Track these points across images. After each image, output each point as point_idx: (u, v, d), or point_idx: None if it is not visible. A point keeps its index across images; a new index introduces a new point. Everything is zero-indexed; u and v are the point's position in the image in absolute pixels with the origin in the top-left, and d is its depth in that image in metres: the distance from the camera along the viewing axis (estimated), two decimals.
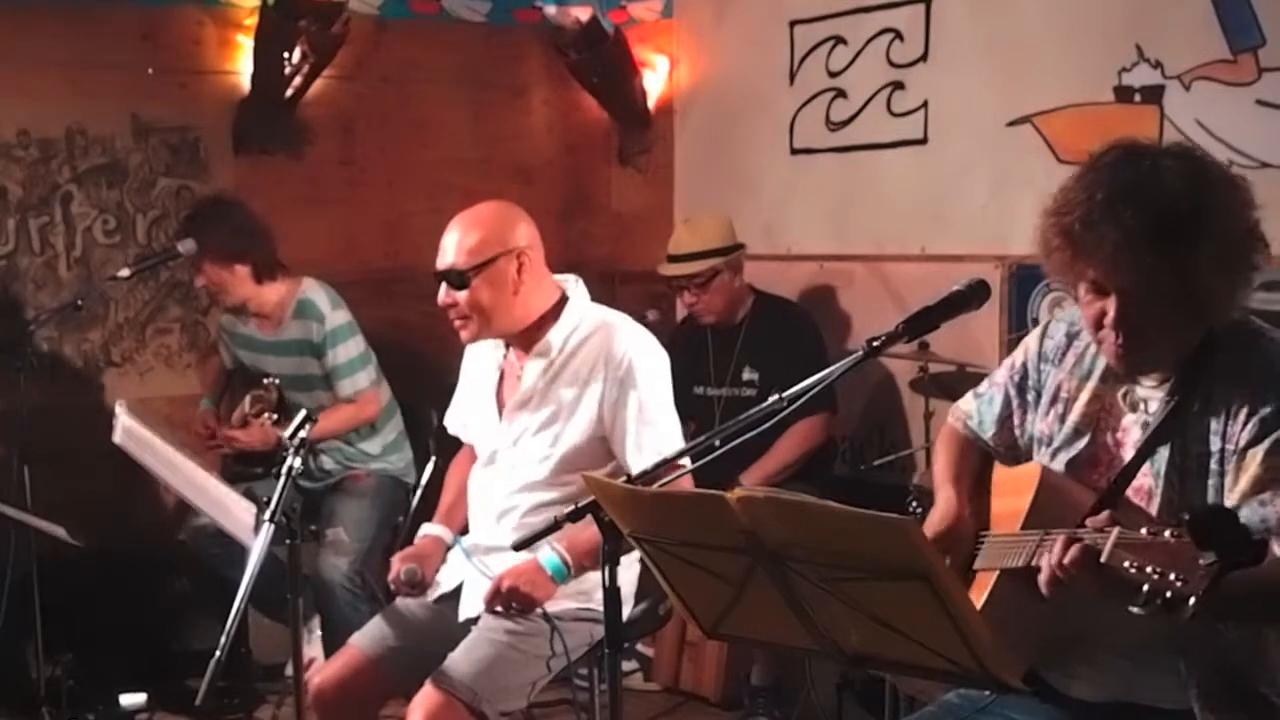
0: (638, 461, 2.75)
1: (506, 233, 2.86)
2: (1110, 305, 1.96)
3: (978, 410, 2.34)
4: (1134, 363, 2.03)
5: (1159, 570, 1.62)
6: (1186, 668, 1.98)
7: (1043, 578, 1.84)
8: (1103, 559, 1.71)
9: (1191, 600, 1.59)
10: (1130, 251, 1.89)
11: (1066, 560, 1.79)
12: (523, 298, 2.87)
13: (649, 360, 2.87)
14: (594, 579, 2.60)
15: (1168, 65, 3.76)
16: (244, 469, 4.16)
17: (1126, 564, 1.66)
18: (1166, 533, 1.65)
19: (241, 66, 4.67)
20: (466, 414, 3.16)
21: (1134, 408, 2.08)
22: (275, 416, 4.11)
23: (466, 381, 3.17)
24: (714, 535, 1.83)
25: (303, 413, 2.71)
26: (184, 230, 4.16)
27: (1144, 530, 1.68)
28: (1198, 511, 1.63)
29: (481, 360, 3.10)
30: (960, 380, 3.91)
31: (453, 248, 2.84)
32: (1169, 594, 1.60)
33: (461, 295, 2.83)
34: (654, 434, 2.81)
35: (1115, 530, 1.71)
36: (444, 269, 2.85)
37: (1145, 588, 1.62)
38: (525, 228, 2.90)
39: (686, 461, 2.27)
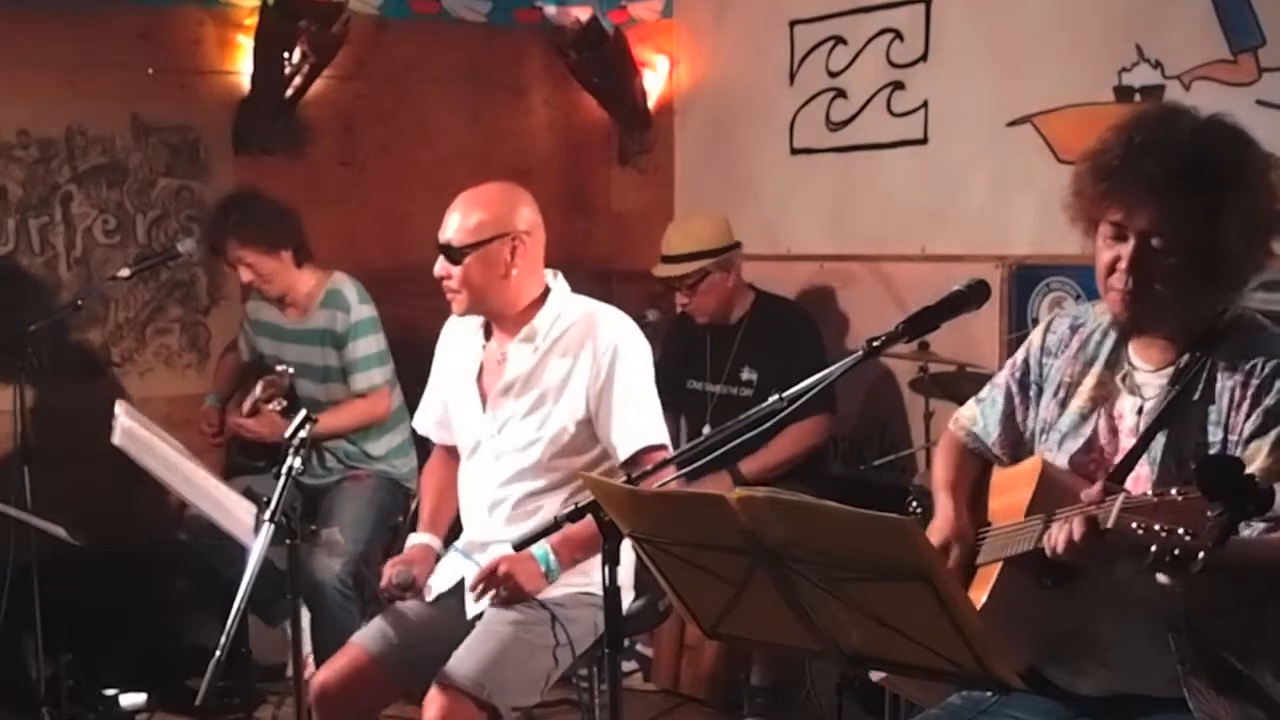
0: (622, 445, 2.84)
1: (507, 216, 2.92)
2: (1126, 250, 1.97)
3: (981, 415, 2.34)
4: (1139, 312, 2.01)
5: (1167, 528, 1.63)
6: (1177, 649, 1.96)
7: (1059, 543, 1.83)
8: (1109, 524, 1.72)
9: (1201, 554, 1.59)
10: (1163, 190, 1.91)
11: (1075, 536, 1.79)
12: (515, 281, 2.92)
13: (632, 346, 2.92)
14: (594, 560, 2.61)
15: (1168, 65, 3.75)
16: (246, 460, 4.15)
17: (1134, 525, 1.66)
18: (1173, 491, 1.66)
19: (241, 66, 4.68)
20: (445, 411, 3.15)
21: (1132, 391, 2.08)
22: (285, 404, 4.11)
23: (438, 382, 3.19)
24: (714, 535, 1.83)
25: (303, 413, 2.71)
26: (217, 227, 4.16)
27: (1148, 493, 1.69)
28: (1205, 460, 1.63)
29: (456, 355, 3.11)
30: (960, 380, 3.91)
31: (453, 224, 2.91)
32: (1178, 550, 1.61)
33: (455, 270, 2.89)
34: (638, 418, 2.86)
35: (1120, 496, 1.73)
36: (443, 243, 2.91)
37: (1154, 548, 1.62)
38: (527, 212, 2.95)
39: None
